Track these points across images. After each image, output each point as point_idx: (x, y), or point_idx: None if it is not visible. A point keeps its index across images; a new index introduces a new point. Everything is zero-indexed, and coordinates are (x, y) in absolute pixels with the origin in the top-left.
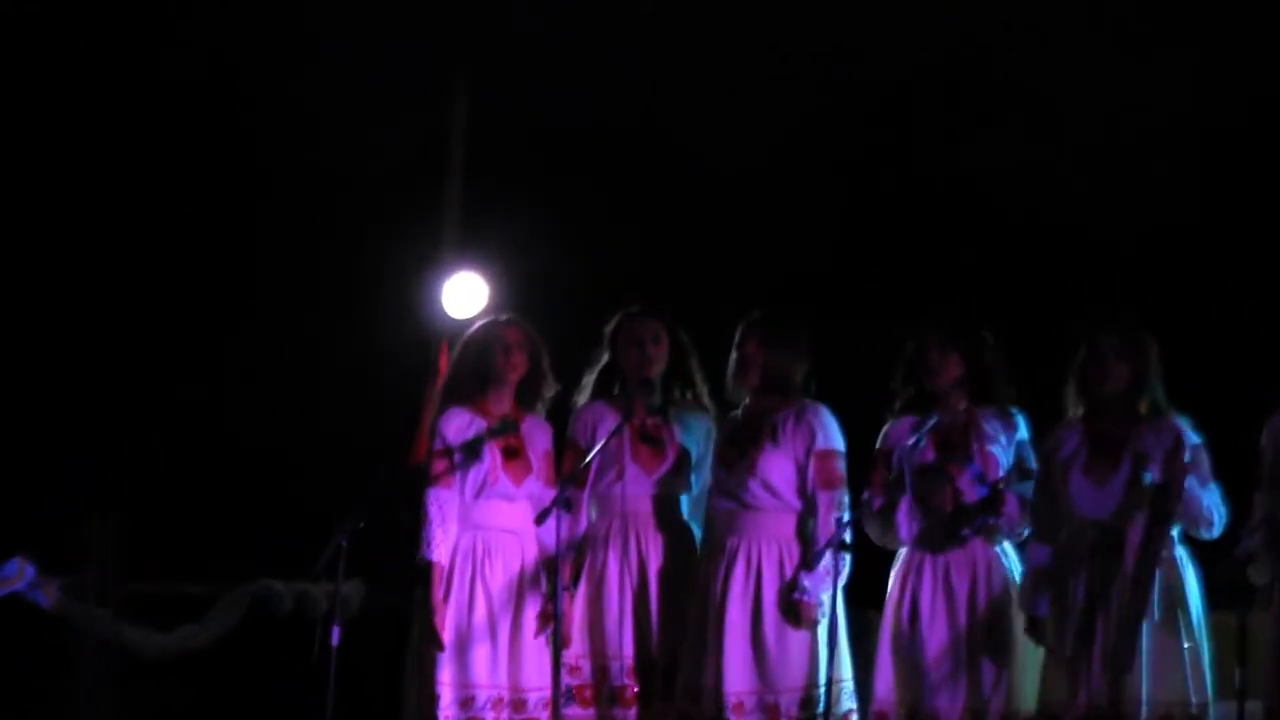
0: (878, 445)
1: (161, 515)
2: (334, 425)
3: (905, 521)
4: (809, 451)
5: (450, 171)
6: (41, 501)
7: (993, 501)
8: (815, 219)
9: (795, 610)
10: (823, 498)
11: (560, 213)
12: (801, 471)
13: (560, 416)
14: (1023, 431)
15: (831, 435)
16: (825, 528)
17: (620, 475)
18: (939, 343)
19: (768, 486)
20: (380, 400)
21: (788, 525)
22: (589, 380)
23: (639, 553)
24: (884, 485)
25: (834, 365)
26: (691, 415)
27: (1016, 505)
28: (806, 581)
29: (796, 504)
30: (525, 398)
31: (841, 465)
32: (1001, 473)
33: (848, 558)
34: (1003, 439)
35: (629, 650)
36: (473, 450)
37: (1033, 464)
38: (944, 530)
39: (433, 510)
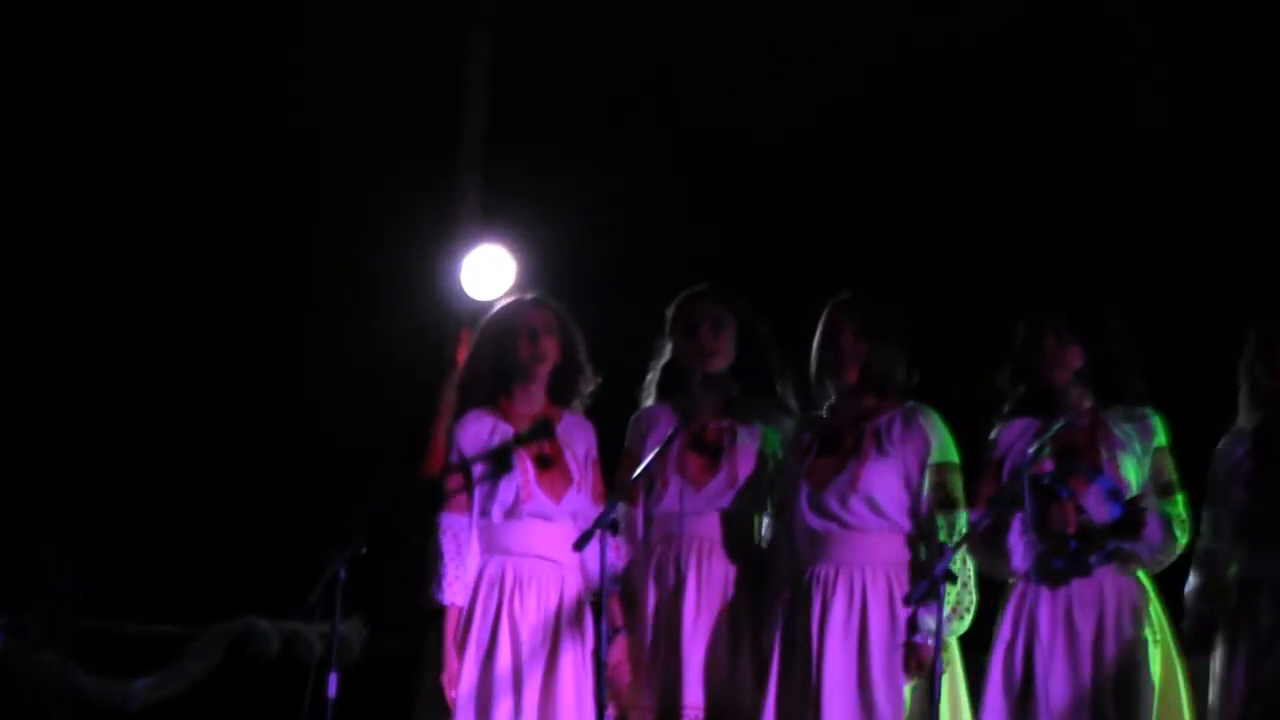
0: (986, 455)
1: (126, 541)
2: (333, 433)
3: (1019, 547)
4: (922, 464)
5: (469, 126)
6: None
7: (1128, 523)
8: (896, 186)
9: (914, 656)
10: (940, 520)
11: (603, 174)
12: (912, 488)
13: (620, 420)
14: (1161, 437)
15: (948, 445)
16: (944, 556)
17: (665, 487)
18: (1056, 329)
19: (873, 504)
20: (387, 402)
21: (895, 549)
22: (652, 378)
23: (699, 585)
24: (993, 503)
25: (929, 358)
26: (769, 418)
27: (1158, 528)
28: (928, 620)
29: (906, 524)
30: (559, 394)
31: (959, 482)
32: (1136, 488)
33: (971, 596)
34: (1136, 446)
35: (695, 700)
36: (501, 461)
37: (1172, 478)
38: (1067, 558)
39: (445, 541)
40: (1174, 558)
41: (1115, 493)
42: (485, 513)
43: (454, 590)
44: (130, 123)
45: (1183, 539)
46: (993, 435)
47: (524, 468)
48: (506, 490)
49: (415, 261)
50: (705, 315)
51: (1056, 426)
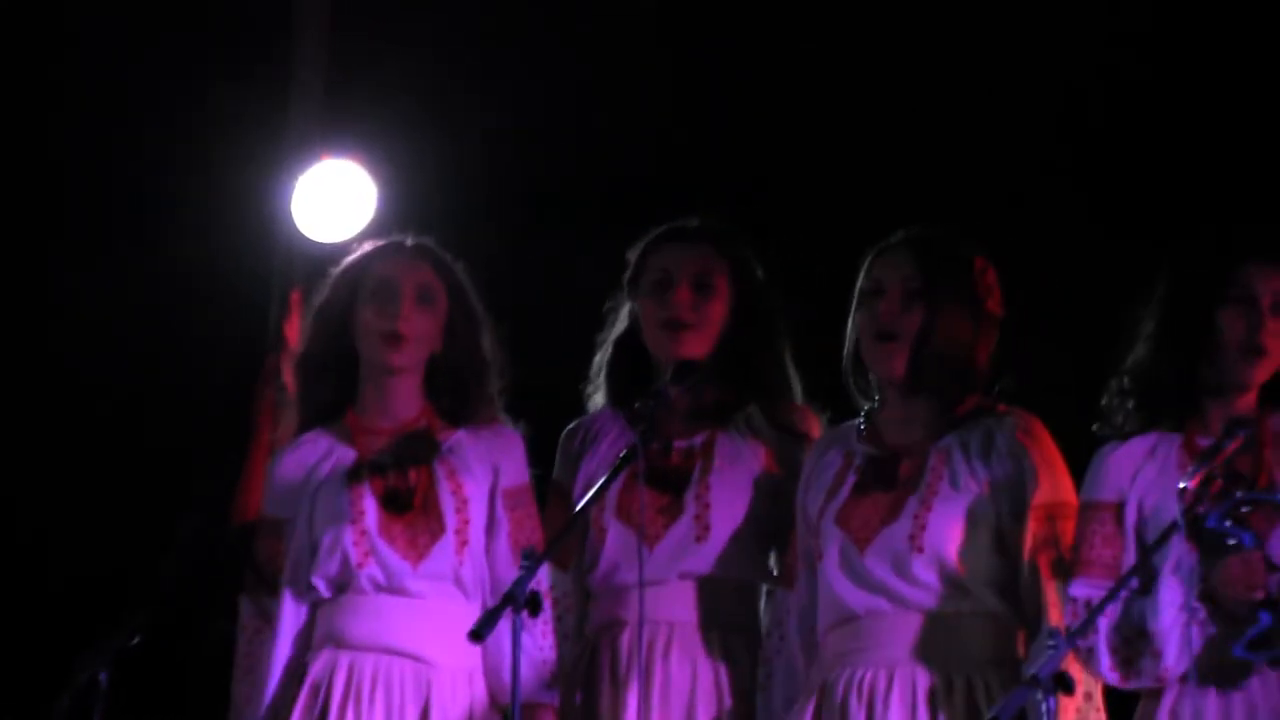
0: (1089, 494)
1: None
2: (100, 448)
3: (1174, 634)
4: (1024, 506)
5: None
6: None
7: None
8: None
9: None
10: (1052, 591)
11: (509, 53)
12: (1003, 539)
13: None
14: None
15: (1060, 473)
16: (1056, 650)
17: (600, 541)
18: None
19: (945, 568)
20: (187, 405)
21: (981, 639)
22: (603, 362)
23: (660, 698)
24: (1113, 573)
25: (1033, 340)
26: (768, 432)
27: None
28: None
29: (994, 600)
30: (445, 397)
31: (1074, 530)
32: None
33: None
34: None
35: None
36: (311, 502)
37: None
38: (1256, 641)
39: (244, 637)
40: None
41: None
42: (306, 585)
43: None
44: None
45: None
46: (1100, 461)
47: (358, 511)
48: (331, 550)
49: (226, 186)
50: (683, 268)
51: (1234, 442)
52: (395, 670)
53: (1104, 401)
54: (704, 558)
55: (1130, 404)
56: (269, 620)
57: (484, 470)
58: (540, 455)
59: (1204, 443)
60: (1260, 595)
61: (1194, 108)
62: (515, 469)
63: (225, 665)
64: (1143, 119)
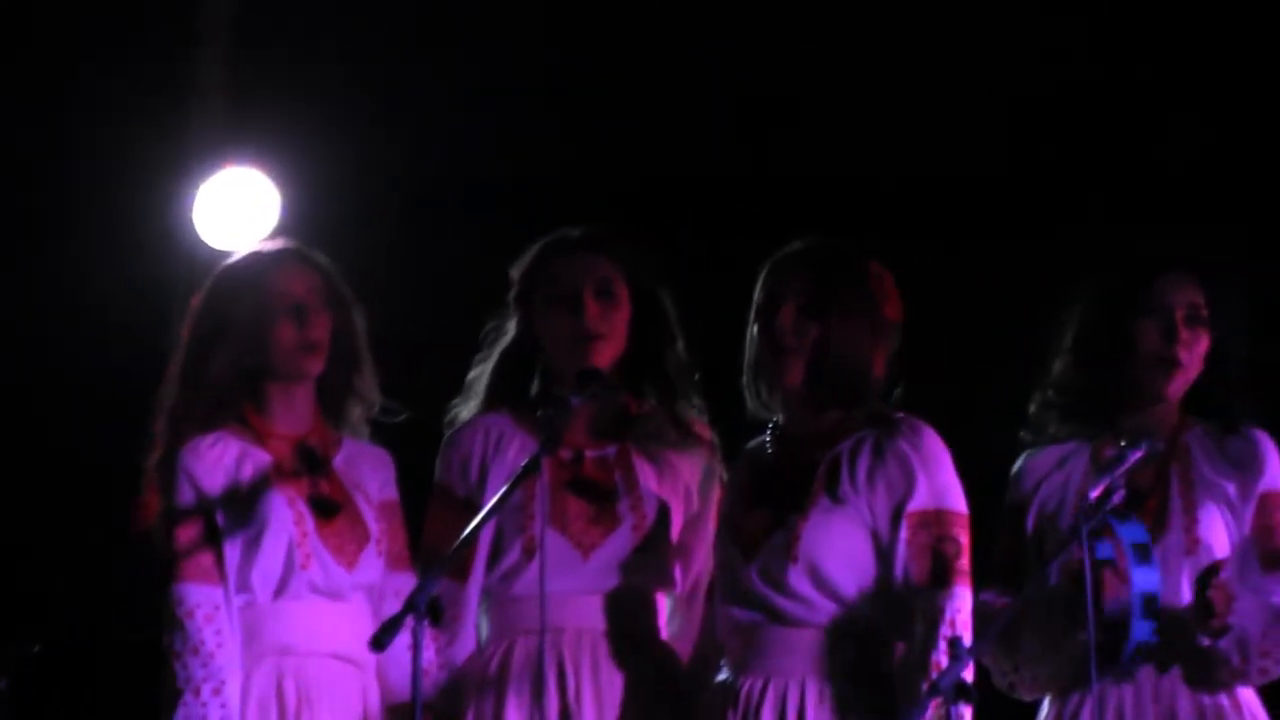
0: (1007, 499)
1: None
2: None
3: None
4: (899, 513)
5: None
6: None
7: (1202, 605)
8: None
9: None
10: (931, 601)
11: (410, 60)
12: (882, 549)
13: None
14: (1272, 474)
15: (944, 480)
16: (936, 657)
17: (530, 554)
18: (1186, 293)
19: (821, 580)
20: (82, 409)
21: (855, 650)
22: (481, 373)
23: (574, 701)
24: (1014, 581)
25: (927, 348)
26: (677, 444)
27: (1260, 616)
28: None
29: (872, 611)
30: (334, 404)
31: (964, 540)
32: (1225, 551)
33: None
34: (1230, 490)
35: None
36: (242, 501)
37: None
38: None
39: (194, 626)
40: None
41: (1142, 550)
42: (243, 588)
43: (222, 708)
44: None
45: None
46: (1016, 468)
47: (299, 518)
48: (273, 551)
49: (128, 193)
50: (588, 278)
51: (1138, 454)
52: (339, 676)
53: (1032, 411)
54: (635, 568)
55: (1056, 415)
56: (218, 607)
57: (373, 484)
58: (424, 460)
59: (1111, 453)
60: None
61: (1109, 115)
62: (390, 484)
63: (128, 671)
64: (1057, 126)
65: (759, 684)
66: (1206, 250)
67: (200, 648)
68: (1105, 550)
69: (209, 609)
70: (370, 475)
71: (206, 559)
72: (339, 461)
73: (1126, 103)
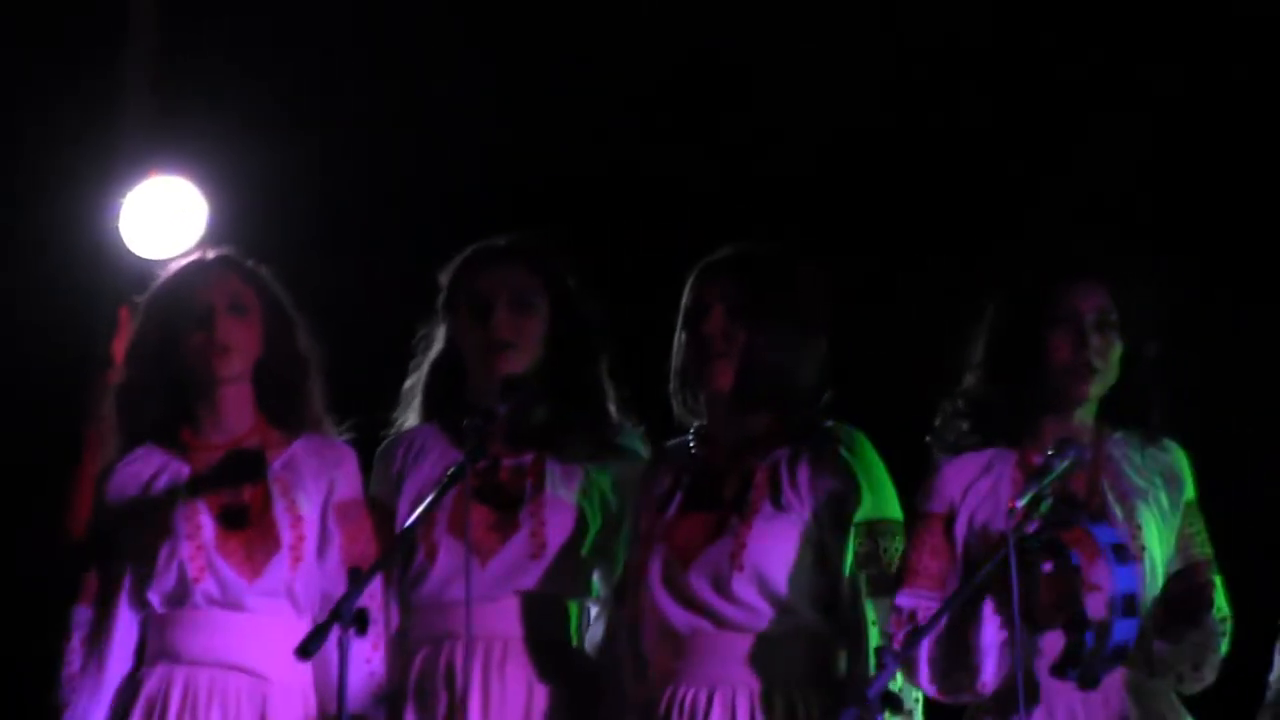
0: (921, 505)
1: None
2: None
3: (993, 651)
4: (843, 523)
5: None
6: None
7: (1185, 603)
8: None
9: None
10: (872, 610)
11: (342, 68)
12: (828, 560)
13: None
14: (1189, 486)
15: (885, 493)
16: (884, 670)
17: (431, 560)
18: (1094, 299)
19: (766, 586)
20: (8, 419)
21: (802, 657)
22: (415, 381)
23: (488, 712)
24: (939, 585)
25: (858, 354)
26: (597, 453)
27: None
28: None
29: (816, 619)
30: (276, 408)
31: (900, 547)
32: (1161, 564)
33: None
34: (1163, 499)
35: None
36: (146, 516)
37: (1207, 550)
38: (1072, 660)
39: (71, 648)
40: (1211, 678)
41: (1121, 550)
42: (140, 601)
43: None
44: None
45: (1224, 649)
46: (936, 474)
47: (202, 527)
48: (165, 565)
49: (54, 201)
50: (503, 287)
51: (1064, 462)
52: (231, 685)
53: (938, 422)
54: (537, 575)
55: (964, 425)
56: (102, 630)
57: (318, 485)
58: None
59: (1038, 460)
60: (1071, 616)
61: (1018, 123)
62: (348, 483)
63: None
64: (964, 132)
65: (703, 694)
66: (1113, 254)
67: (64, 669)
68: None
69: (87, 631)
70: (318, 477)
71: (100, 579)
72: (279, 464)
73: (1051, 109)
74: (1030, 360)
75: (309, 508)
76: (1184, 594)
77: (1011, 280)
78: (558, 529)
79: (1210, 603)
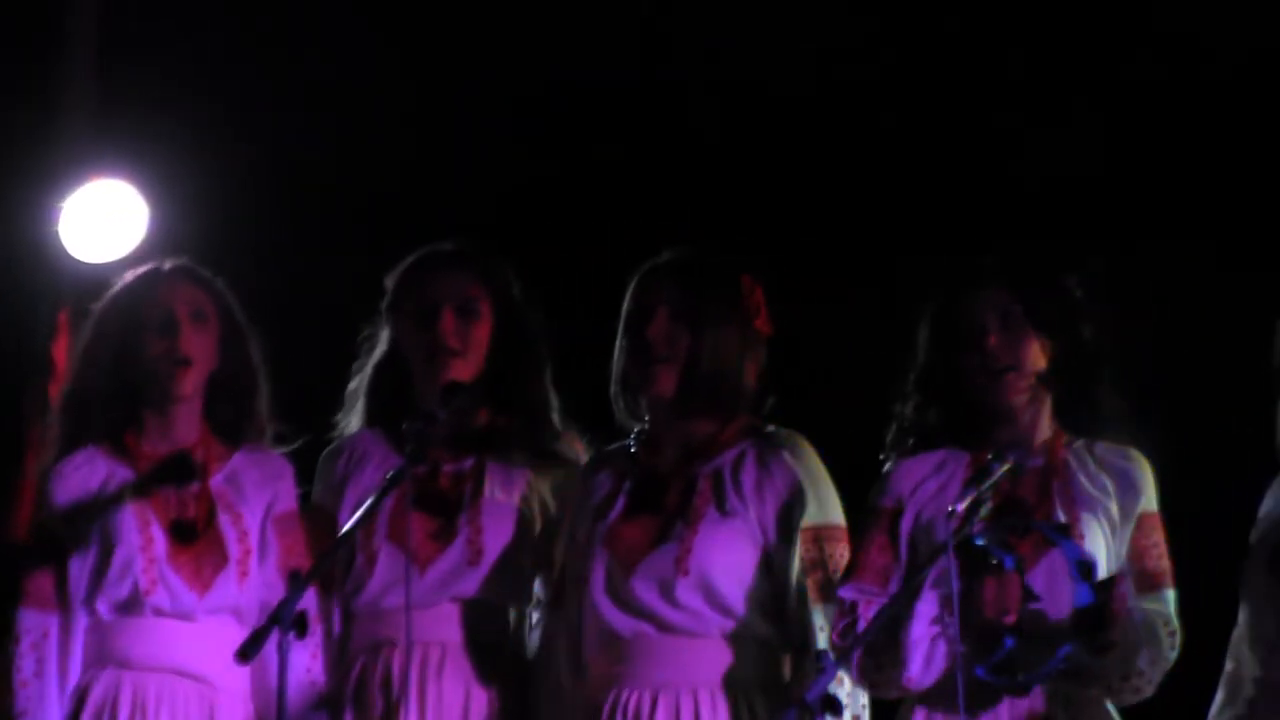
0: (872, 502)
1: None
2: None
3: (921, 645)
4: (789, 527)
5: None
6: None
7: (1096, 620)
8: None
9: None
10: (819, 615)
11: (292, 73)
12: (773, 565)
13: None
14: (1150, 496)
15: (827, 495)
16: (824, 673)
17: (370, 567)
18: (1002, 307)
19: (711, 592)
20: None
21: (748, 662)
22: (359, 385)
23: (436, 708)
24: (883, 580)
25: (802, 357)
26: (537, 459)
27: (1136, 633)
28: None
29: (762, 624)
30: (223, 419)
31: (846, 553)
32: (1111, 567)
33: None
34: (1112, 509)
35: None
36: (94, 522)
37: (1163, 562)
38: (998, 664)
39: (20, 653)
40: (1155, 686)
41: (1085, 567)
42: (89, 607)
43: None
44: None
45: (1173, 656)
46: (888, 470)
47: (151, 537)
48: (117, 575)
49: None
50: (448, 293)
51: (1003, 467)
52: (180, 691)
53: (889, 439)
54: (476, 581)
55: (910, 441)
56: (56, 636)
57: (260, 498)
58: (302, 475)
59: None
60: (1010, 620)
61: (970, 130)
62: (287, 496)
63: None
64: (909, 136)
65: (647, 697)
66: (1017, 258)
67: (16, 675)
68: (1008, 561)
69: (36, 637)
70: (260, 489)
71: (47, 584)
72: (219, 479)
73: (985, 117)
74: (950, 384)
75: (253, 522)
76: (1092, 606)
77: (926, 306)
78: (495, 535)
79: (1113, 617)
